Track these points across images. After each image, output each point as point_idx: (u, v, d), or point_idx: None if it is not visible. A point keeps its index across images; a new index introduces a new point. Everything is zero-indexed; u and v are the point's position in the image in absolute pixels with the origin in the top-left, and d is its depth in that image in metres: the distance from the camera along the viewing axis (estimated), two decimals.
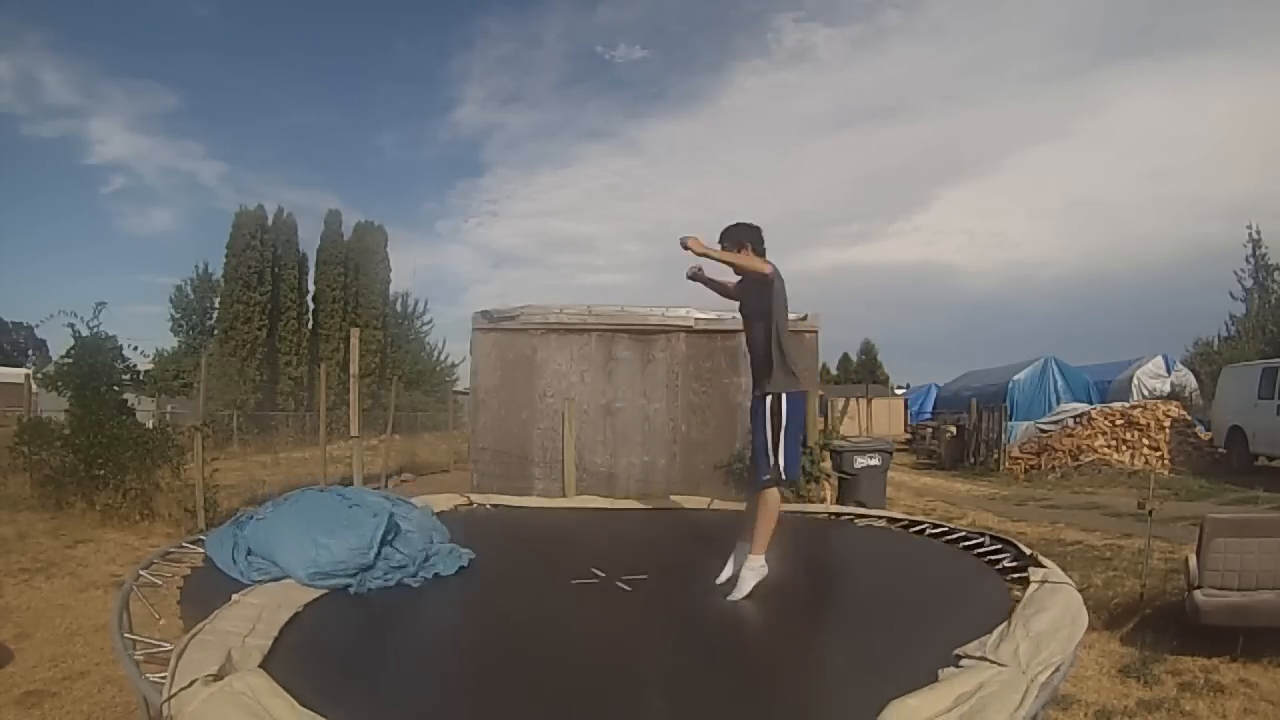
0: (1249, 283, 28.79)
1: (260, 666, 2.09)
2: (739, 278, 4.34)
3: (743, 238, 4.20)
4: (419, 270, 75.35)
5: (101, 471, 9.61)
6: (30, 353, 40.75)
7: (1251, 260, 28.66)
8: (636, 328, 9.87)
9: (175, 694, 1.84)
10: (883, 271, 75.81)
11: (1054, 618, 2.37)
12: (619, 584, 3.60)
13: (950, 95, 77.16)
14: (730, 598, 3.60)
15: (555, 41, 74.62)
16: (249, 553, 3.23)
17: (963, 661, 2.11)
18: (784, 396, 4.06)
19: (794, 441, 4.11)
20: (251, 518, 3.50)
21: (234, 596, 2.79)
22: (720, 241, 4.18)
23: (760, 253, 4.22)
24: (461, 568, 3.73)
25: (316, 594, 3.04)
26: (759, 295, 4.21)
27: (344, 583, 3.19)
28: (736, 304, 4.49)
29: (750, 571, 3.70)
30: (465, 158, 76.05)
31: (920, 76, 78.86)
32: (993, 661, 2.04)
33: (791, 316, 10.08)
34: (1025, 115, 75.55)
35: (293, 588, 3.05)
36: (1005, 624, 2.32)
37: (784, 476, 3.99)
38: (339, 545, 3.25)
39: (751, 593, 3.53)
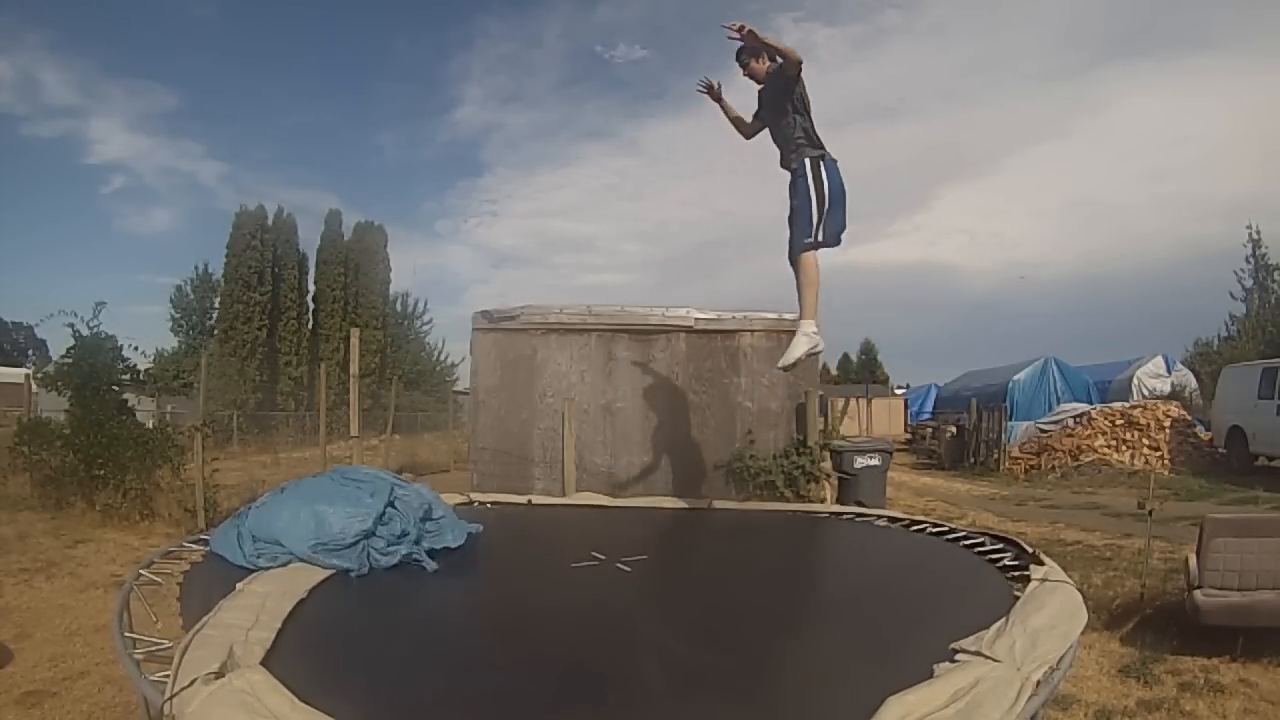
0: (1249, 283, 28.81)
1: (264, 660, 2.09)
2: (755, 115, 4.55)
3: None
4: (419, 270, 75.40)
5: (101, 471, 9.63)
6: (30, 353, 40.71)
7: (1251, 260, 28.69)
8: (636, 328, 9.85)
9: (177, 693, 1.84)
10: (883, 271, 75.84)
11: (1052, 615, 2.37)
12: (619, 565, 3.60)
13: (950, 95, 77.35)
14: (781, 363, 3.85)
15: (555, 41, 74.74)
16: (254, 539, 3.22)
17: (959, 656, 2.11)
18: (823, 160, 4.14)
19: (837, 208, 4.15)
20: (250, 509, 3.49)
21: (238, 585, 2.78)
22: (741, 58, 4.36)
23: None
24: (470, 534, 3.72)
25: (320, 578, 3.03)
26: (787, 89, 4.30)
27: (346, 562, 3.18)
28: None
29: (803, 337, 3.87)
30: (465, 158, 76.21)
31: (920, 76, 79.03)
32: (988, 657, 2.04)
33: (790, 316, 10.09)
34: (1025, 115, 75.69)
35: (297, 572, 3.03)
36: (1003, 620, 2.32)
37: (823, 240, 4.08)
38: (337, 514, 3.25)
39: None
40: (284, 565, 3.11)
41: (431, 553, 3.50)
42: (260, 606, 2.55)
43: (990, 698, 1.79)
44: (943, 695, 1.79)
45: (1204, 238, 59.48)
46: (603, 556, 3.72)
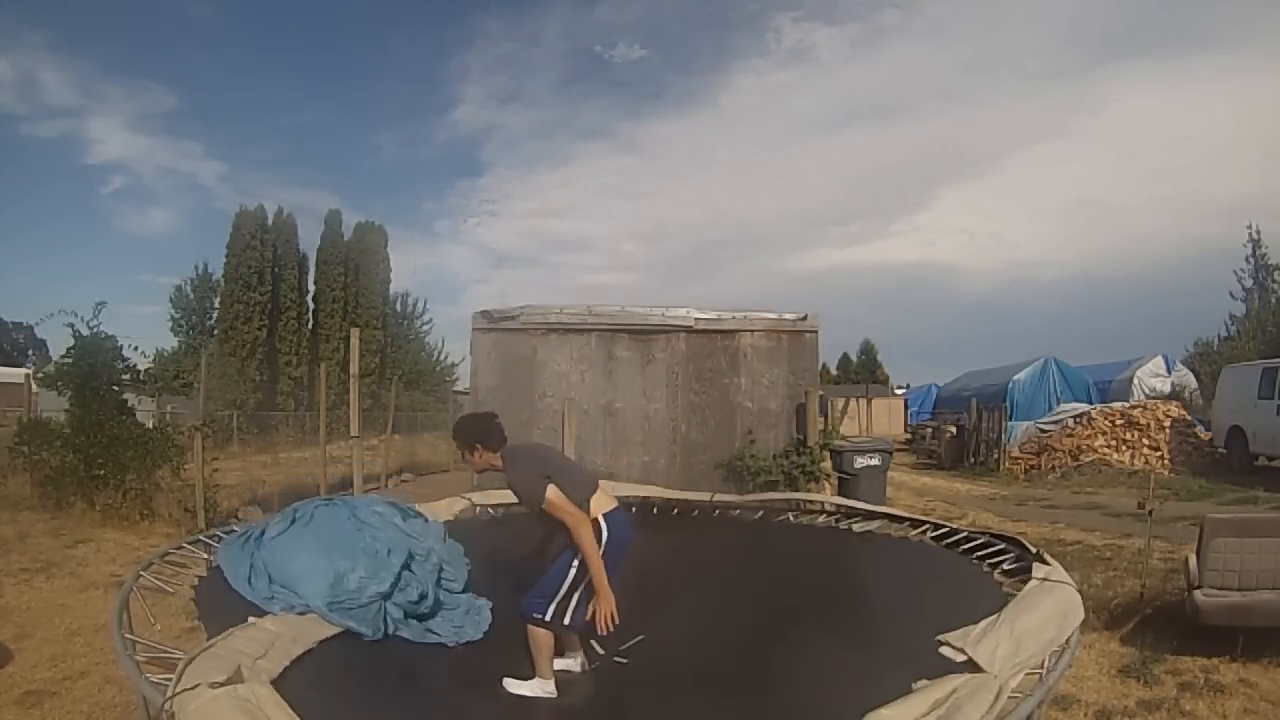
0: (1249, 283, 28.77)
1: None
2: None
3: (473, 438, 3.66)
4: (419, 270, 75.53)
5: (101, 471, 9.64)
6: (30, 353, 40.61)
7: (1251, 260, 28.65)
8: (636, 328, 9.87)
9: (177, 694, 1.84)
10: (883, 271, 75.99)
11: (1041, 618, 2.37)
12: (616, 659, 3.51)
13: (950, 95, 77.42)
14: (507, 687, 3.32)
15: (554, 41, 74.87)
16: (270, 580, 3.17)
17: (942, 648, 2.12)
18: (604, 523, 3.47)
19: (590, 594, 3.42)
20: (264, 532, 3.44)
21: (251, 619, 2.77)
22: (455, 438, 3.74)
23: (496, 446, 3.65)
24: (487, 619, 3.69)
25: (332, 631, 2.99)
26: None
27: (362, 626, 3.12)
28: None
29: (539, 686, 3.33)
30: (464, 157, 76.50)
31: (920, 76, 79.09)
32: (969, 658, 2.05)
33: (790, 316, 10.08)
34: (1025, 115, 75.80)
35: (310, 622, 3.00)
36: (994, 618, 2.32)
37: (562, 627, 3.45)
38: (355, 574, 3.21)
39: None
40: (300, 613, 3.06)
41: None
42: (271, 643, 2.54)
43: (968, 703, 1.79)
44: (921, 707, 1.80)
45: (1204, 238, 59.59)
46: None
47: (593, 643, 3.62)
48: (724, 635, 2.92)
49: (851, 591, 3.73)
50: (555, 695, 3.32)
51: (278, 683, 2.22)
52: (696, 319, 9.90)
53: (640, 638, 3.59)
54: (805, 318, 10.12)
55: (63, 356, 10.59)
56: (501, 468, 3.55)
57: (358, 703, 2.51)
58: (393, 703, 2.59)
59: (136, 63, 61.33)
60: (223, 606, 2.81)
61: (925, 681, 2.05)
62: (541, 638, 3.36)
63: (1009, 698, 1.87)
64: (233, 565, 3.27)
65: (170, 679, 1.97)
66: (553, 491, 3.38)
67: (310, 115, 65.07)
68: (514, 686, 3.32)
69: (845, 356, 52.55)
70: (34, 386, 14.35)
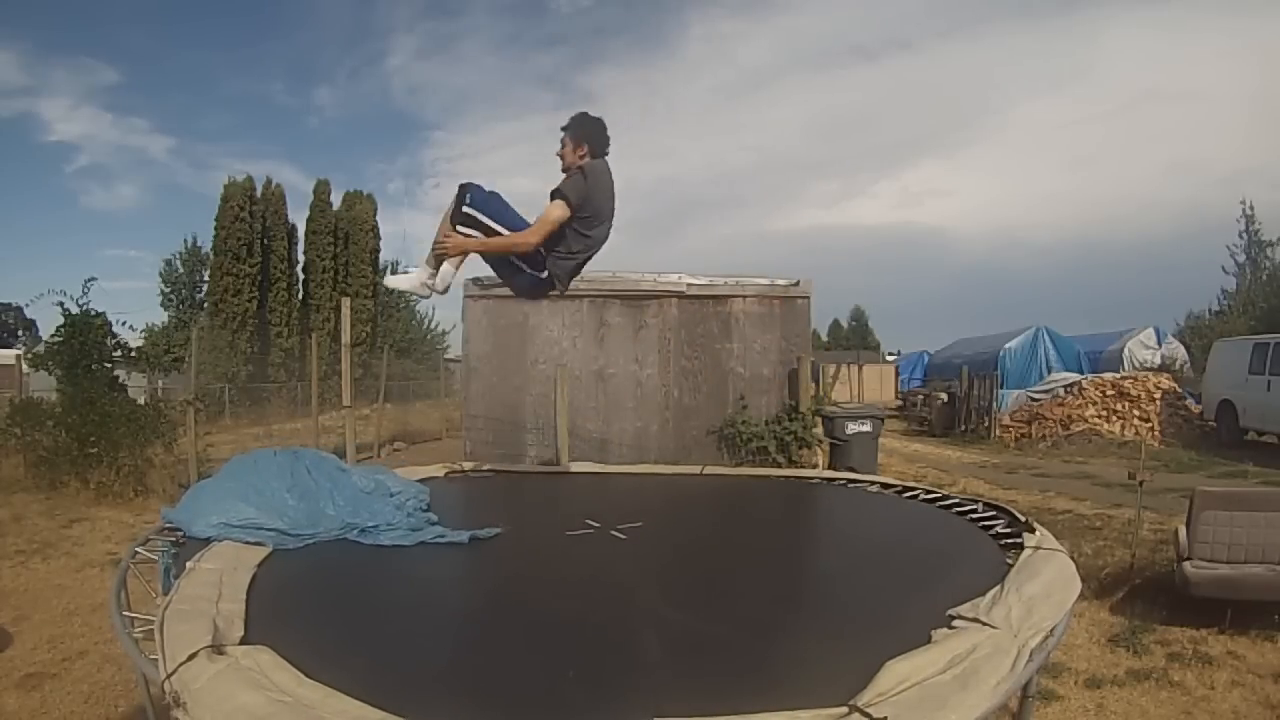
0: (1241, 258, 28.85)
1: (243, 633, 2.06)
2: None
3: (586, 134, 3.63)
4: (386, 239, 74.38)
5: (94, 449, 9.63)
6: (20, 334, 40.19)
7: (1245, 235, 28.69)
8: (628, 293, 9.83)
9: (175, 670, 1.80)
10: (873, 237, 75.72)
11: (1046, 583, 2.36)
12: (613, 532, 3.57)
13: (944, 56, 76.58)
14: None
15: None
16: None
17: (956, 622, 2.10)
18: None
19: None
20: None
21: (188, 564, 2.71)
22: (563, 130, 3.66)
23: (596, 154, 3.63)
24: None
25: (263, 554, 2.95)
26: None
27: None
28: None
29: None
30: (412, 114, 74.77)
31: (910, 31, 77.86)
32: (985, 624, 2.02)
33: (783, 282, 10.06)
34: (1020, 77, 75.20)
35: (239, 548, 2.95)
36: (999, 588, 2.30)
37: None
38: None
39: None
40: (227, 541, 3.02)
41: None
42: (219, 581, 2.50)
43: (987, 664, 1.77)
44: (940, 660, 1.78)
45: (1200, 209, 59.42)
46: (597, 524, 3.69)
47: (590, 521, 3.69)
48: (721, 593, 2.89)
49: (853, 547, 3.72)
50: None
51: (248, 623, 2.17)
52: (689, 285, 9.86)
53: (640, 523, 3.68)
54: (798, 284, 10.09)
55: (52, 336, 10.55)
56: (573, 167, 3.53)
57: (327, 620, 2.46)
58: (357, 610, 2.56)
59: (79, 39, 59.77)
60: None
61: (945, 631, 2.03)
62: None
63: (1027, 663, 1.85)
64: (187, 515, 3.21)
65: (158, 651, 1.92)
66: (558, 211, 3.42)
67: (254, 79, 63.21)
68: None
69: (836, 323, 52.80)
70: (24, 367, 14.30)
